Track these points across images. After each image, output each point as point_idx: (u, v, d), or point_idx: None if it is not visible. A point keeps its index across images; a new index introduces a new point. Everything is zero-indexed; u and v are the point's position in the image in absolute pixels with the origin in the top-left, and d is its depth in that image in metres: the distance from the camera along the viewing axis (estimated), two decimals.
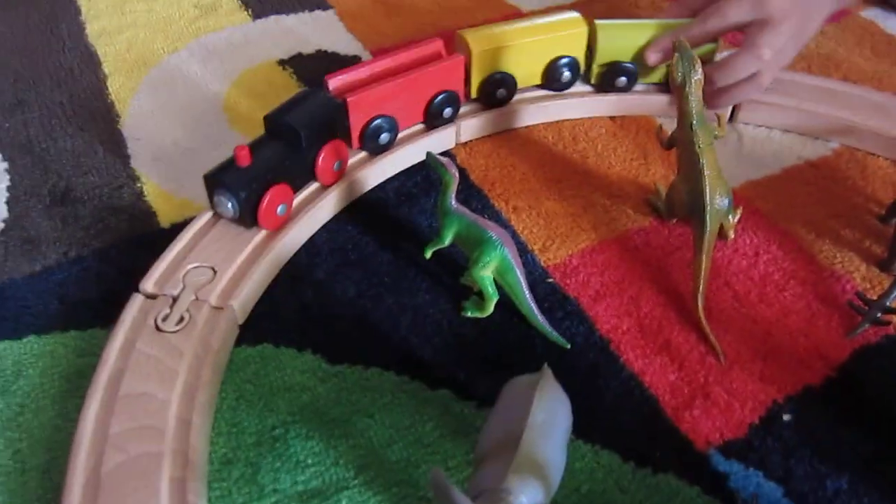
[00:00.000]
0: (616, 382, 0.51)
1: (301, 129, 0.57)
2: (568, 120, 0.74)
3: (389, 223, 0.63)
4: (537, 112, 0.72)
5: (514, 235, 0.61)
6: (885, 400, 0.51)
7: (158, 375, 0.48)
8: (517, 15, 0.90)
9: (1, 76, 0.78)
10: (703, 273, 0.55)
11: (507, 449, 0.38)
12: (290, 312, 0.55)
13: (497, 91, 0.69)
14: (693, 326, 0.55)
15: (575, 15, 0.70)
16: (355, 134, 0.63)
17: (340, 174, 0.62)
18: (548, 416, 0.40)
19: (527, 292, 0.53)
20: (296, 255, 0.60)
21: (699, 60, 0.57)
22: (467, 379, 0.51)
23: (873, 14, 0.94)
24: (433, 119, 0.67)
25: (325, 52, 0.82)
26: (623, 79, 0.71)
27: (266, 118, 0.58)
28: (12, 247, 0.60)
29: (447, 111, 0.67)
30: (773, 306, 0.57)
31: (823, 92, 0.73)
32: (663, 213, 0.62)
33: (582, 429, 0.48)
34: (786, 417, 0.50)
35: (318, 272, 0.58)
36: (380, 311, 0.55)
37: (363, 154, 0.66)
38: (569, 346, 0.53)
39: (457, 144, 0.70)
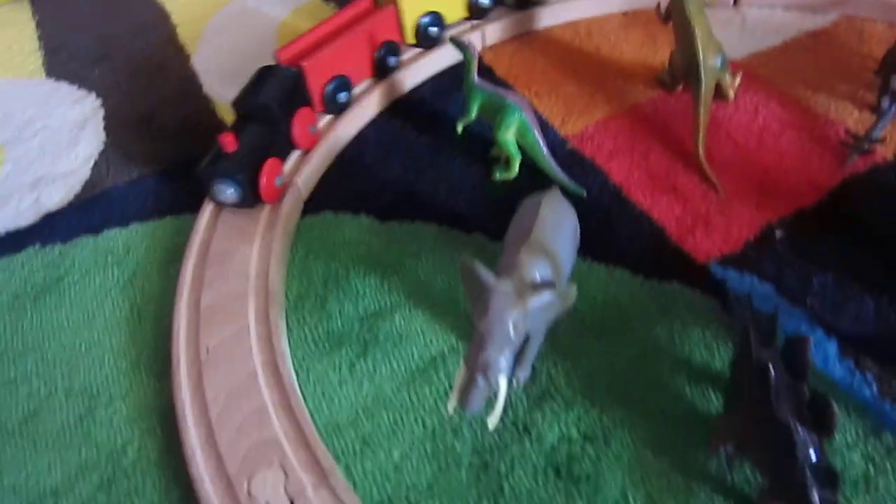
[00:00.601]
0: (628, 219, 0.59)
1: (272, 105, 0.60)
2: (583, 19, 0.81)
3: (426, 116, 0.71)
4: (555, 13, 0.80)
5: (537, 115, 0.69)
6: (870, 216, 0.57)
7: (239, 237, 0.59)
8: None
9: (86, 35, 0.90)
10: (701, 121, 0.62)
11: (521, 240, 0.47)
12: (345, 189, 0.65)
13: (429, 30, 0.74)
14: (696, 170, 0.62)
15: None
16: (316, 98, 0.67)
17: (317, 136, 0.66)
18: (554, 215, 0.48)
19: (545, 150, 0.61)
20: (348, 147, 0.69)
21: None
22: (498, 225, 0.59)
23: None
24: (381, 71, 0.72)
25: None
26: None
27: (235, 103, 0.61)
28: (113, 162, 0.72)
29: (391, 60, 0.72)
30: (769, 150, 0.63)
31: None
32: (668, 85, 0.69)
33: (598, 254, 0.56)
34: (778, 233, 0.57)
35: (367, 158, 0.68)
36: (421, 182, 0.64)
37: (412, 53, 0.74)
38: (585, 194, 0.61)
39: (483, 48, 0.78)
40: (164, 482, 0.47)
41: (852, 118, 0.65)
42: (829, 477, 0.38)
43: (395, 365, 0.51)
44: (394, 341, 0.53)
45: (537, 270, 0.44)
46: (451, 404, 0.44)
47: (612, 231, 0.58)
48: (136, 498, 0.46)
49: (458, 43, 0.63)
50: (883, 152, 0.61)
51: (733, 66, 0.69)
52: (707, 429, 0.46)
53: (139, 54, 0.86)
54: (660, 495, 0.44)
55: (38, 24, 0.93)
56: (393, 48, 0.72)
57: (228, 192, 0.58)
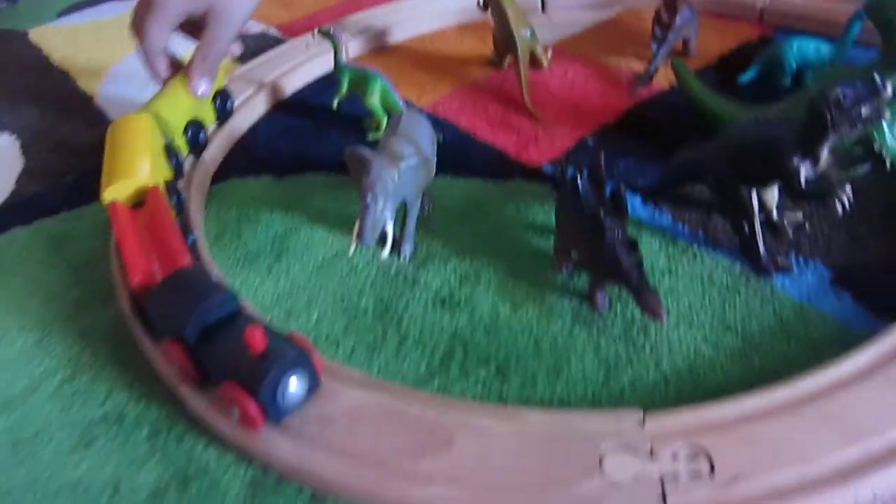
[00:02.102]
0: (477, 149, 0.75)
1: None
2: (428, 32, 0.99)
3: (307, 107, 0.86)
4: (404, 29, 0.98)
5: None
6: (653, 123, 0.75)
7: None
8: None
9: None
10: (523, 74, 0.79)
11: (390, 134, 0.61)
12: (245, 161, 0.78)
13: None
14: (524, 113, 0.79)
15: None
16: None
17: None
18: (413, 118, 0.63)
19: (404, 107, 0.77)
20: (243, 136, 0.82)
21: None
22: None
23: None
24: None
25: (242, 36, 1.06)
26: None
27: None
28: (35, 175, 0.82)
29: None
30: (578, 92, 0.82)
31: None
32: (497, 63, 0.88)
33: (457, 172, 0.71)
34: (590, 141, 0.74)
35: (261, 139, 0.81)
36: (309, 148, 0.78)
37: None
38: (442, 137, 0.76)
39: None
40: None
41: (636, 67, 0.84)
42: (631, 245, 0.53)
43: (304, 263, 0.63)
44: (301, 248, 0.65)
45: (404, 148, 0.59)
46: (352, 247, 0.56)
47: (466, 157, 0.74)
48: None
49: (325, 33, 0.78)
50: (660, 85, 0.81)
51: (546, 48, 0.87)
52: (550, 259, 0.60)
53: (45, 101, 0.96)
54: (522, 302, 0.57)
55: None
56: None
57: (301, 386, 0.47)
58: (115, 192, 0.61)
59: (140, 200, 0.61)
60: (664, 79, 0.81)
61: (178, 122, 0.72)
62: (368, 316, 0.58)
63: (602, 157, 0.56)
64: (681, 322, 0.54)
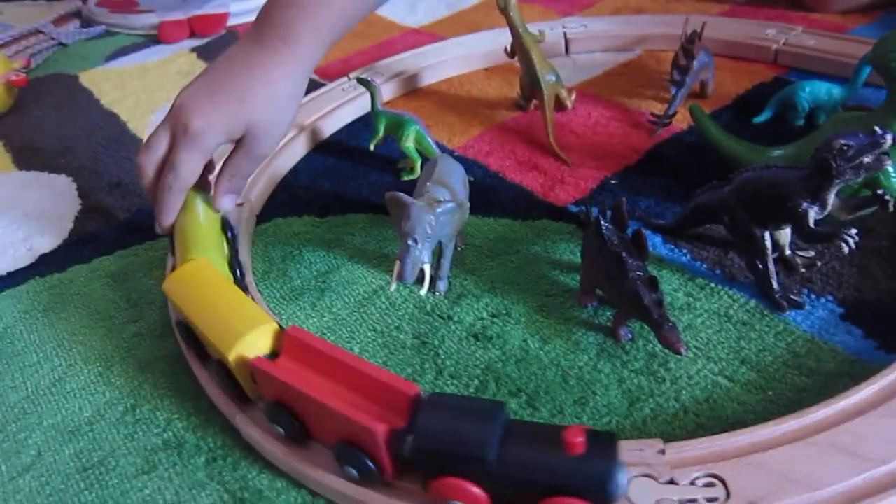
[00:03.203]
0: (506, 189, 0.79)
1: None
2: (456, 75, 1.04)
3: (345, 148, 0.91)
4: (434, 73, 1.03)
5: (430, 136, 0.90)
6: (672, 163, 0.79)
7: None
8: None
9: (53, 136, 1.07)
10: (548, 117, 0.84)
11: (426, 180, 0.66)
12: (288, 202, 0.83)
13: None
14: (550, 154, 0.83)
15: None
16: None
17: None
18: (447, 164, 0.68)
19: (438, 151, 0.81)
20: (285, 176, 0.88)
21: None
22: None
23: None
24: None
25: None
26: None
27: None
28: (91, 216, 0.87)
29: None
30: (601, 135, 0.86)
31: (623, 21, 1.06)
32: (523, 106, 0.92)
33: (487, 212, 0.76)
34: (613, 181, 0.78)
35: (302, 180, 0.86)
36: (348, 189, 0.83)
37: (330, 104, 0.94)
38: (473, 178, 0.81)
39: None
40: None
41: (657, 110, 0.89)
42: (652, 283, 0.57)
43: (346, 300, 0.68)
44: (343, 285, 0.70)
45: (440, 194, 0.63)
46: (392, 285, 0.61)
47: (495, 197, 0.78)
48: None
49: (362, 81, 0.84)
50: (679, 125, 0.85)
51: (569, 90, 0.92)
52: (576, 295, 0.64)
53: (98, 143, 1.03)
54: (550, 337, 0.61)
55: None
56: None
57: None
58: (244, 348, 0.53)
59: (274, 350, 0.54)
60: (683, 120, 0.85)
61: (216, 236, 0.66)
62: (407, 350, 0.62)
63: (623, 199, 0.60)
64: (699, 356, 0.58)
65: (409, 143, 0.81)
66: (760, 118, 0.84)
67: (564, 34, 1.04)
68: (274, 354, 0.53)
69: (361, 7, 0.72)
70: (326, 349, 0.51)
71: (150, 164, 0.65)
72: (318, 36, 0.68)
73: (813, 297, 0.62)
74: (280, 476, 0.54)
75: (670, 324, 0.55)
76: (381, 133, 0.83)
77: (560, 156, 0.82)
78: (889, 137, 0.52)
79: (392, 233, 0.75)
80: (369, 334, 0.64)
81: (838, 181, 0.54)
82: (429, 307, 0.66)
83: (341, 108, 0.96)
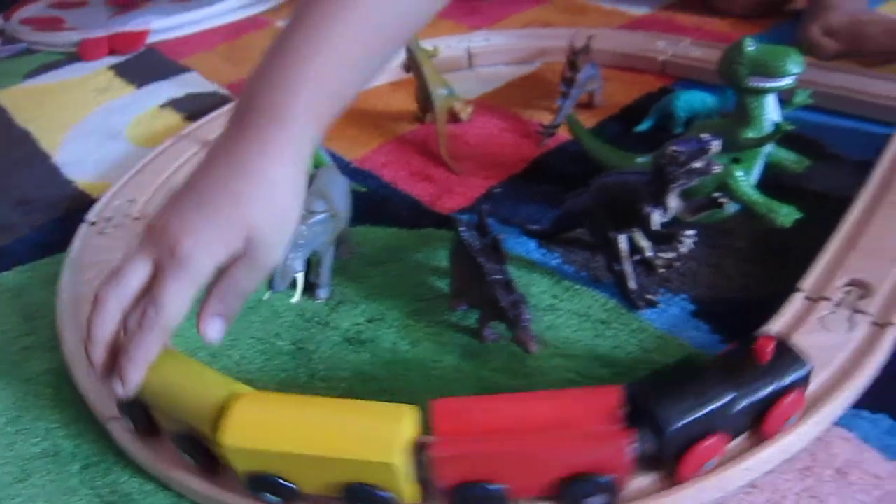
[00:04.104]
0: (397, 199, 0.82)
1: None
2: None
3: None
4: None
5: (329, 151, 0.93)
6: (554, 172, 0.83)
7: (98, 253, 0.77)
8: None
9: None
10: (441, 131, 0.87)
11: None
12: None
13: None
14: (443, 165, 0.86)
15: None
16: None
17: None
18: (328, 176, 0.70)
19: (330, 162, 0.84)
20: None
21: None
22: None
23: None
24: None
25: (192, 94, 1.14)
26: None
27: None
28: None
29: None
30: (493, 145, 0.89)
31: (525, 34, 1.10)
32: (420, 118, 0.95)
33: (377, 221, 0.78)
34: (497, 190, 0.81)
35: None
36: None
37: None
38: (366, 189, 0.84)
39: None
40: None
41: (547, 119, 0.92)
42: (508, 285, 0.60)
43: None
44: None
45: (316, 205, 0.66)
46: (267, 294, 0.63)
47: (387, 207, 0.81)
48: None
49: None
50: (565, 136, 0.89)
51: (467, 102, 0.95)
52: (447, 299, 0.67)
53: (6, 159, 1.04)
54: (419, 340, 0.64)
55: None
56: None
57: None
58: (401, 445, 0.46)
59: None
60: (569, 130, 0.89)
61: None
62: (284, 355, 0.64)
63: (484, 210, 0.63)
64: (556, 354, 0.61)
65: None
66: (642, 127, 0.88)
67: (468, 49, 1.07)
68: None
69: (369, 62, 0.57)
70: (481, 405, 0.47)
71: (116, 298, 0.50)
72: (313, 110, 0.53)
73: (669, 295, 0.65)
74: (149, 480, 0.55)
75: (524, 324, 0.58)
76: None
77: (451, 165, 0.85)
78: (715, 143, 0.56)
79: None
80: (249, 342, 0.66)
81: (674, 186, 0.57)
82: (308, 314, 0.68)
83: None
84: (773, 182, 0.75)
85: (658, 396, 0.46)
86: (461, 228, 0.61)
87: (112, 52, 1.30)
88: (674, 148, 0.56)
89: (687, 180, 0.57)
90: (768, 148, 0.70)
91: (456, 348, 0.63)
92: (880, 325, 0.57)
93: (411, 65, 0.92)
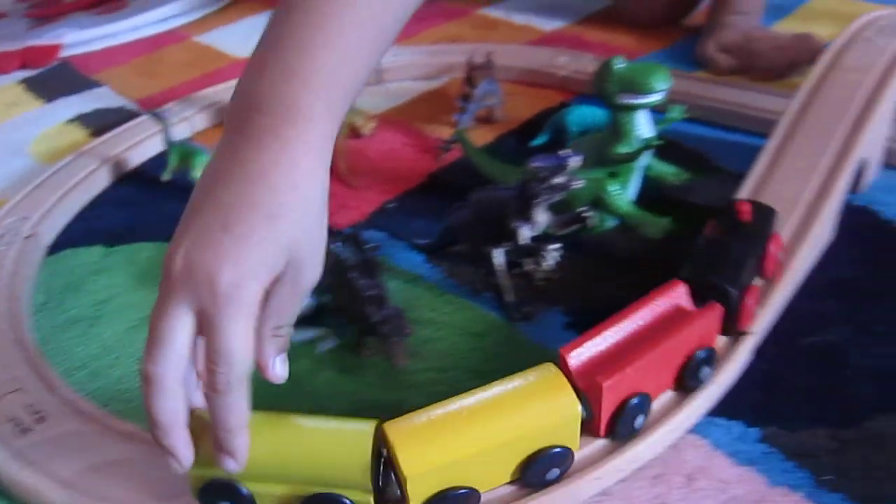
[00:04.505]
0: None
1: None
2: None
3: (148, 181, 0.93)
4: None
5: None
6: (449, 187, 0.84)
7: None
8: None
9: None
10: (340, 146, 0.87)
11: None
12: (82, 233, 0.84)
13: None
14: (342, 179, 0.87)
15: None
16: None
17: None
18: None
19: None
20: (85, 208, 0.89)
21: None
22: None
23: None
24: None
25: (100, 109, 1.13)
26: None
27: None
28: None
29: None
30: (393, 160, 0.91)
31: (433, 50, 1.11)
32: None
33: None
34: (391, 205, 0.82)
35: (98, 210, 0.88)
36: (141, 218, 0.85)
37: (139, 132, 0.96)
38: None
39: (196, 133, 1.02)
40: None
41: (447, 134, 0.94)
42: (380, 301, 0.61)
43: (116, 327, 0.70)
44: (116, 313, 0.71)
45: None
46: None
47: None
48: None
49: (154, 114, 0.86)
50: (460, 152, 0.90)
51: (372, 117, 0.96)
52: None
53: None
54: (298, 356, 0.64)
55: None
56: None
57: None
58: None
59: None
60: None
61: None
62: None
63: (360, 229, 0.64)
64: (431, 369, 0.62)
65: (198, 174, 0.84)
66: (537, 141, 0.90)
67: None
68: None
69: (372, 54, 0.51)
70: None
71: (171, 369, 0.42)
72: (331, 105, 0.47)
73: (545, 308, 0.67)
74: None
75: (395, 339, 0.59)
76: (174, 164, 0.86)
77: (349, 180, 0.86)
78: (572, 160, 0.58)
79: None
80: (131, 360, 0.66)
81: (538, 201, 0.59)
82: None
83: (152, 138, 0.98)
84: (657, 195, 0.78)
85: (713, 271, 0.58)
86: (334, 245, 0.62)
87: (24, 66, 1.28)
88: (534, 165, 0.58)
89: (549, 196, 0.59)
90: (645, 161, 0.72)
91: (334, 364, 0.63)
92: (737, 335, 0.59)
93: None
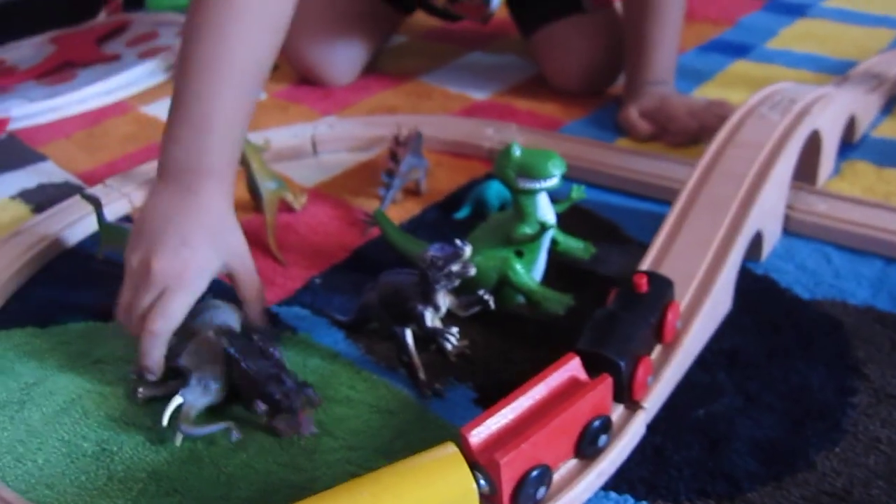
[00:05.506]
0: (221, 291, 0.86)
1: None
2: None
3: (84, 259, 0.95)
4: None
5: None
6: (374, 262, 0.88)
7: None
8: None
9: None
10: (269, 223, 0.92)
11: None
12: (16, 314, 0.86)
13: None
14: (271, 255, 0.91)
15: None
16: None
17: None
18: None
19: None
20: (21, 288, 0.91)
21: None
22: None
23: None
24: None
25: (43, 184, 1.16)
26: None
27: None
28: None
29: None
30: (321, 234, 0.94)
31: (366, 122, 1.16)
32: (256, 208, 1.00)
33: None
34: (317, 281, 0.86)
35: (34, 289, 0.90)
36: (74, 297, 0.87)
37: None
38: None
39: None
40: None
41: (374, 207, 0.98)
42: (277, 379, 0.64)
43: (44, 410, 0.72)
44: (45, 396, 0.73)
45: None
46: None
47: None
48: None
49: (86, 196, 0.89)
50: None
51: (303, 191, 1.00)
52: None
53: None
54: (217, 439, 0.67)
55: None
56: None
57: None
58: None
59: None
60: (393, 218, 0.95)
61: None
62: (87, 457, 0.67)
63: (285, 306, 0.68)
64: (343, 447, 0.65)
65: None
66: (459, 214, 0.94)
67: (312, 136, 1.13)
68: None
69: (251, 111, 0.79)
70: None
71: (168, 328, 0.70)
72: (231, 162, 0.77)
73: (455, 384, 0.70)
74: None
75: (292, 412, 0.62)
76: (105, 243, 0.89)
77: (277, 256, 0.89)
78: (467, 249, 0.62)
79: (105, 342, 0.80)
80: (56, 444, 0.68)
81: (438, 287, 0.63)
82: (118, 414, 0.71)
83: (91, 216, 1.00)
84: (567, 269, 0.82)
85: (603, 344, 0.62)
86: (223, 340, 0.66)
87: None
88: (432, 254, 0.62)
89: (448, 282, 0.63)
90: (548, 239, 0.77)
91: (252, 445, 0.66)
92: (631, 405, 0.63)
93: (241, 159, 0.96)
